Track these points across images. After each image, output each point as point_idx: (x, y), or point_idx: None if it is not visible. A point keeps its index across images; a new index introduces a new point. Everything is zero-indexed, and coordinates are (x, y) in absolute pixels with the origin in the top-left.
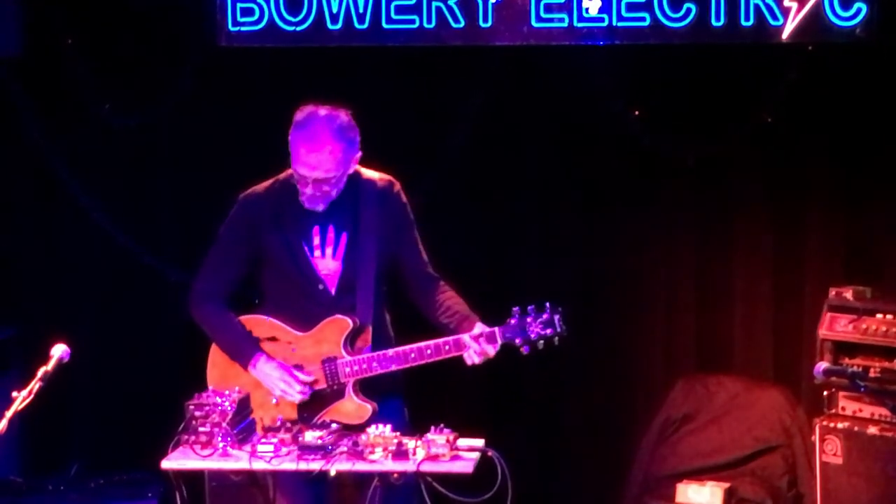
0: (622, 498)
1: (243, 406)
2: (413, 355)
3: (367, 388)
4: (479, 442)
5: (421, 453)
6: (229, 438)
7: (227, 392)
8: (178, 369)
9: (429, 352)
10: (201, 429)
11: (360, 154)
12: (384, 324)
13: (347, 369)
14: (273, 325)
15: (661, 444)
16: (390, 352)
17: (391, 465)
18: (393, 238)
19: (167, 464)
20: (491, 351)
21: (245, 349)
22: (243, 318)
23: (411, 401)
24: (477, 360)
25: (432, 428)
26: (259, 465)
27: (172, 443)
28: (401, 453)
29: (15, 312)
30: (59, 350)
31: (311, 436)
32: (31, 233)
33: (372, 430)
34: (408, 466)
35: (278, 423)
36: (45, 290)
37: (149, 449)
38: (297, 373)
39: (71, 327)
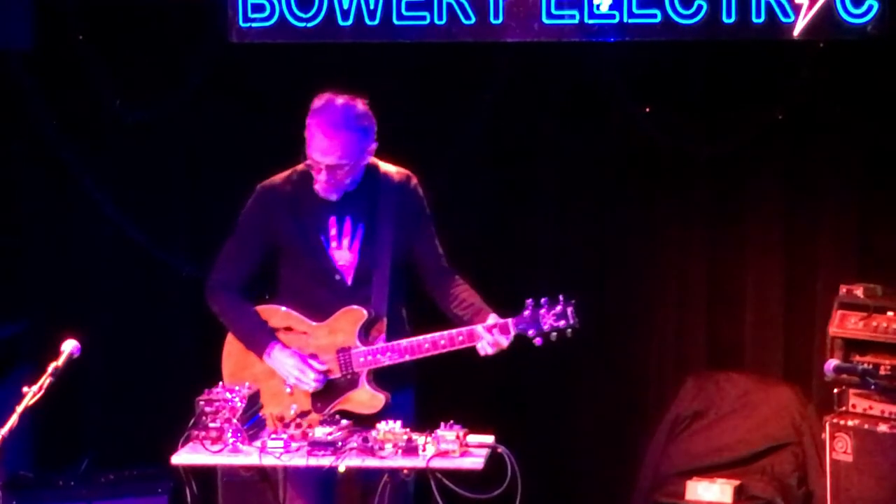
0: (632, 495)
1: (253, 402)
2: (427, 346)
3: (381, 378)
4: (489, 438)
5: (431, 449)
6: (239, 434)
7: (237, 388)
8: (188, 364)
9: (442, 342)
10: (211, 424)
11: (375, 145)
12: (400, 315)
13: (361, 359)
14: (288, 314)
15: (671, 441)
16: (404, 342)
17: (401, 462)
18: (409, 231)
19: (177, 459)
20: (504, 342)
21: (260, 338)
22: (258, 308)
23: (421, 396)
24: (490, 350)
25: (442, 424)
26: (269, 461)
27: (183, 438)
28: (411, 449)
29: (26, 307)
30: (69, 345)
31: (321, 432)
32: (42, 227)
33: (382, 426)
34: (417, 463)
35: (292, 413)
36: (56, 285)
37: (159, 444)
38: (311, 361)
39: (82, 322)
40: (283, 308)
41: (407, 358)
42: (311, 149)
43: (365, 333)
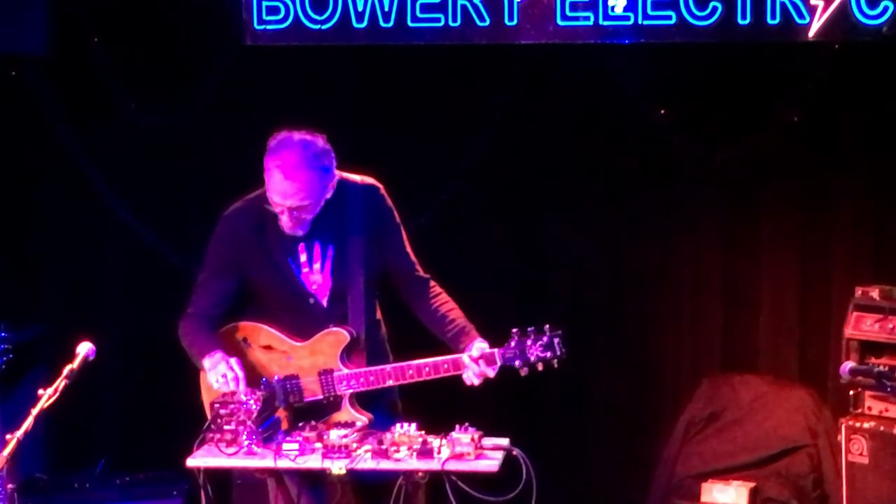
0: (648, 497)
1: (269, 404)
2: (411, 372)
3: (362, 397)
4: (505, 441)
5: (446, 452)
6: (254, 437)
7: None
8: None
9: (427, 370)
10: (226, 427)
11: (336, 179)
12: (377, 330)
13: (344, 383)
14: (270, 333)
15: (686, 443)
16: (388, 367)
17: (416, 464)
18: (379, 244)
19: (192, 462)
20: (490, 373)
21: (202, 349)
22: (240, 325)
23: (435, 401)
24: (476, 381)
25: (457, 426)
26: (283, 464)
27: (198, 441)
28: (426, 452)
29: (41, 310)
30: (84, 348)
31: (335, 435)
32: (57, 231)
33: (397, 428)
34: (433, 465)
35: None
36: (72, 289)
37: (174, 447)
38: (232, 362)
39: (97, 325)
40: (265, 326)
41: (390, 383)
42: (270, 191)
43: (346, 355)
